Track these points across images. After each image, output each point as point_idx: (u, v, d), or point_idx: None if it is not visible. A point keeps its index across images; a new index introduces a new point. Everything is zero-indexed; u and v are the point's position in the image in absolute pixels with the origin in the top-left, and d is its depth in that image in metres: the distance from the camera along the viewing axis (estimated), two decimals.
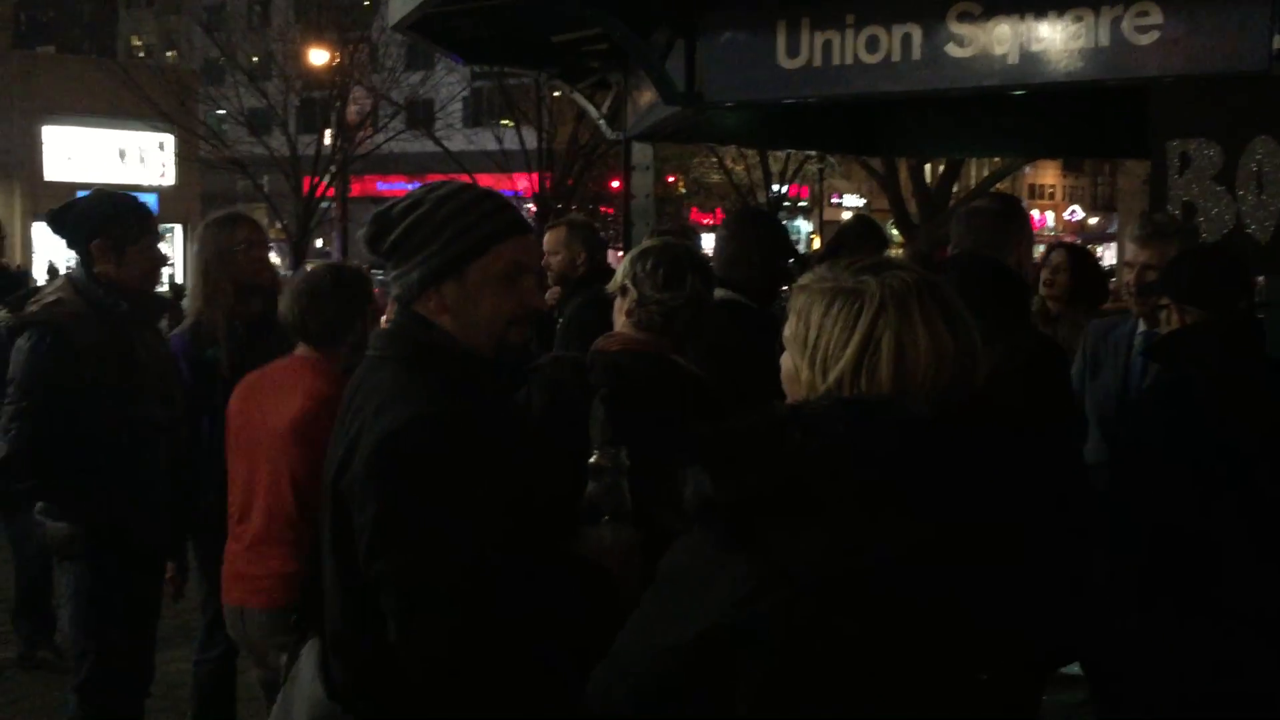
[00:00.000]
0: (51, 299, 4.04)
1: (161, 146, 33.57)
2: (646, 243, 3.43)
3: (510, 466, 2.23)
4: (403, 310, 2.36)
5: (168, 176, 34.33)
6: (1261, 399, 3.06)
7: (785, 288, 4.74)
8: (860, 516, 1.64)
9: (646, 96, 5.72)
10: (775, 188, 32.58)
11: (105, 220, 4.06)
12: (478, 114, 34.20)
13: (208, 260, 4.45)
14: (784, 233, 4.75)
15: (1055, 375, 3.47)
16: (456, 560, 2.13)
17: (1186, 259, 3.42)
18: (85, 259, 4.07)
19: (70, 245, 4.13)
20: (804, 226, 50.89)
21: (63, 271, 4.35)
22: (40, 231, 33.48)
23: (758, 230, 4.46)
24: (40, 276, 20.23)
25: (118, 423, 3.99)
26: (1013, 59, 4.20)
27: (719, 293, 3.71)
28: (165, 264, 4.39)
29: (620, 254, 3.81)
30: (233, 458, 3.83)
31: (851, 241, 5.36)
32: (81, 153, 33.09)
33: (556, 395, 3.27)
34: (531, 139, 25.99)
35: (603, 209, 32.41)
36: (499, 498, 2.17)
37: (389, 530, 2.16)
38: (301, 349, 3.78)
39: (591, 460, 2.47)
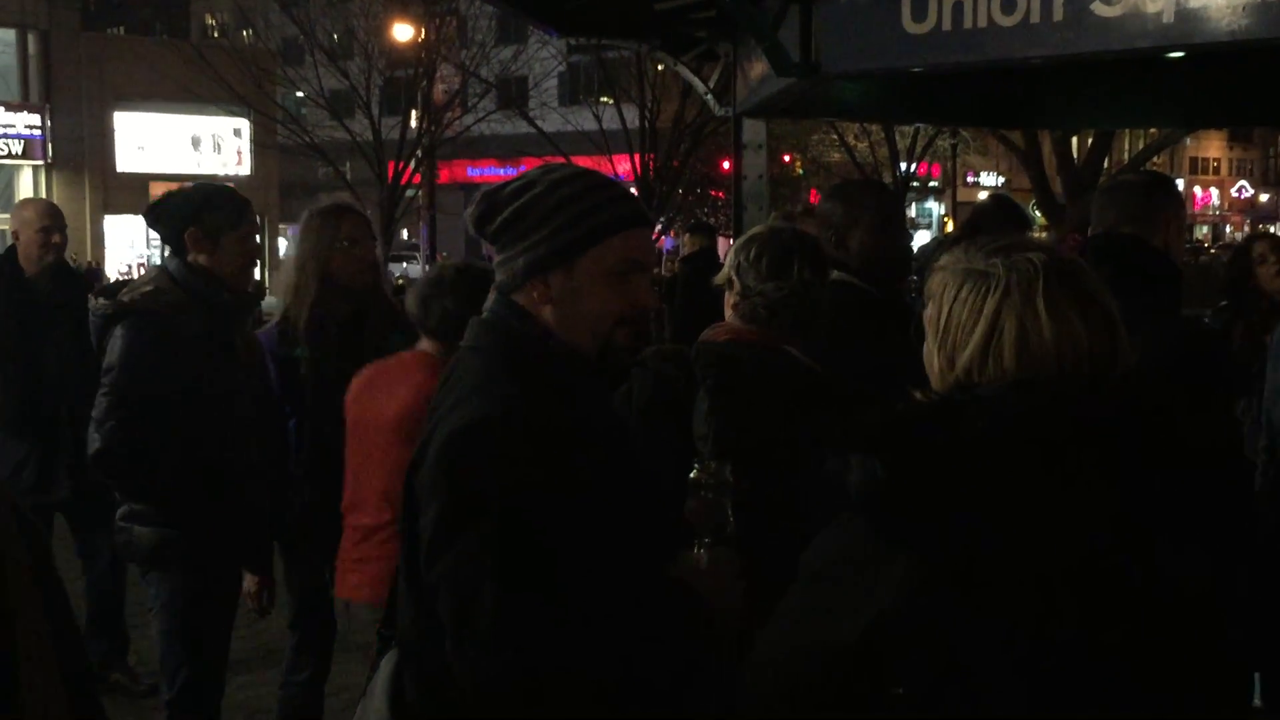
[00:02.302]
0: (149, 288, 4.16)
1: (237, 133, 34.42)
2: (753, 230, 3.45)
3: (598, 479, 2.23)
4: (501, 299, 2.38)
5: (244, 164, 35.19)
6: None
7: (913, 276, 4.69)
8: (1044, 502, 1.69)
9: (758, 68, 5.70)
10: (903, 166, 32.28)
11: (200, 207, 4.19)
12: (575, 91, 34.41)
13: (305, 254, 4.54)
14: (901, 206, 4.69)
15: (1209, 372, 3.37)
16: (509, 578, 2.13)
17: None
18: (179, 249, 4.19)
19: (165, 238, 4.25)
20: (936, 208, 50.38)
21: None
22: (113, 226, 34.55)
23: (873, 201, 4.30)
24: (113, 275, 20.80)
25: (216, 422, 4.10)
26: (1168, 17, 4.11)
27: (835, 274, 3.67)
28: (260, 256, 4.50)
29: (731, 242, 3.81)
30: (348, 449, 4.00)
31: (989, 223, 5.30)
32: (154, 141, 34.01)
33: (660, 388, 3.30)
34: (633, 117, 26.05)
35: (712, 192, 32.44)
36: (579, 510, 2.17)
37: (446, 534, 2.19)
38: (424, 343, 3.92)
39: (691, 475, 2.47)
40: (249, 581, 4.42)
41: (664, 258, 27.39)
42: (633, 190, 20.04)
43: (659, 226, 25.62)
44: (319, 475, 4.32)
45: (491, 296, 2.41)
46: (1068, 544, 1.70)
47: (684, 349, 3.35)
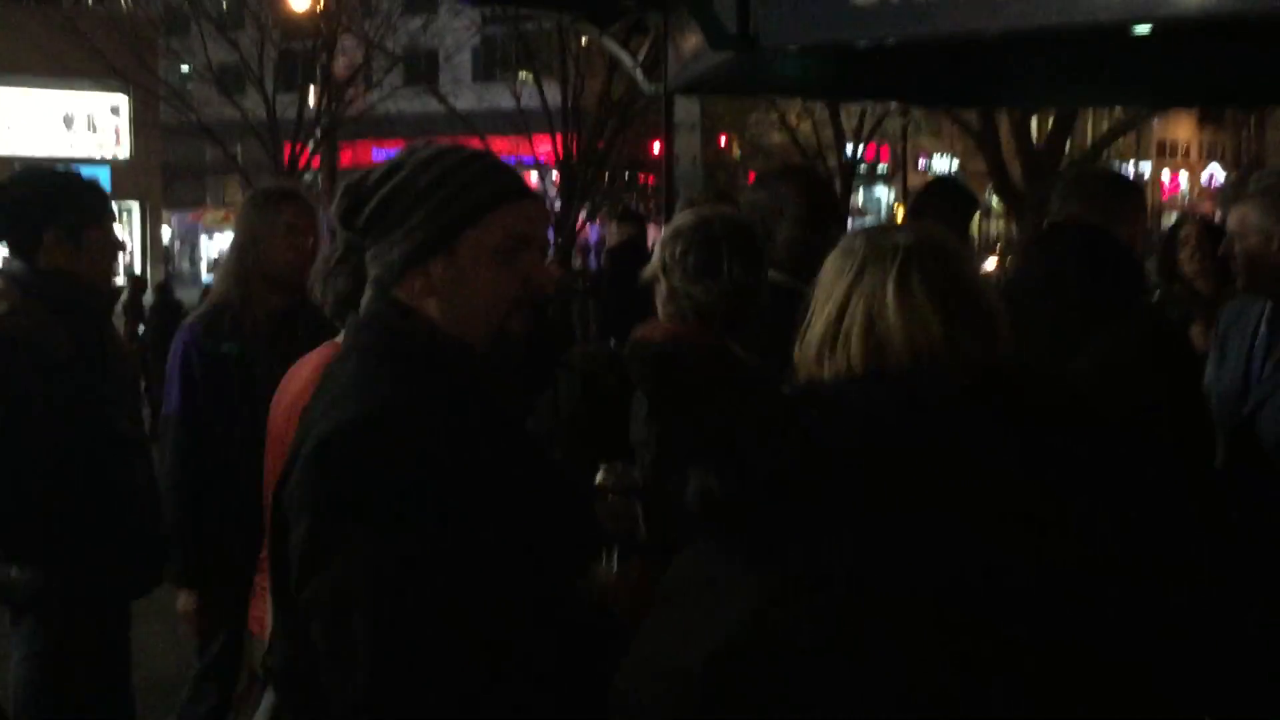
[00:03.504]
0: (2, 307, 3.95)
1: (115, 110, 33.97)
2: (679, 220, 3.40)
3: (490, 486, 2.20)
4: (379, 295, 2.34)
5: (123, 145, 34.74)
6: None
7: None
8: (888, 507, 1.66)
9: (691, 41, 5.69)
10: (849, 149, 32.50)
11: (56, 203, 4.04)
12: (490, 66, 34.33)
13: (243, 242, 4.50)
14: (830, 193, 4.70)
15: (1175, 371, 3.44)
16: (387, 595, 2.10)
17: None
18: (26, 252, 4.01)
19: (8, 236, 4.07)
20: (885, 195, 50.82)
21: None
22: None
23: (799, 189, 4.32)
24: None
25: (94, 446, 4.00)
26: None
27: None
28: (122, 250, 4.42)
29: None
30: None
31: (933, 207, 5.34)
32: (21, 120, 33.47)
33: (590, 393, 3.27)
34: (554, 95, 26.04)
35: (641, 177, 32.46)
36: (466, 521, 2.15)
37: (317, 550, 2.15)
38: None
39: (597, 479, 2.45)
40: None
41: (590, 248, 27.39)
42: (555, 172, 19.89)
43: (583, 214, 25.63)
44: (246, 480, 4.25)
45: (368, 293, 2.37)
46: (926, 564, 1.67)
47: (613, 350, 3.34)
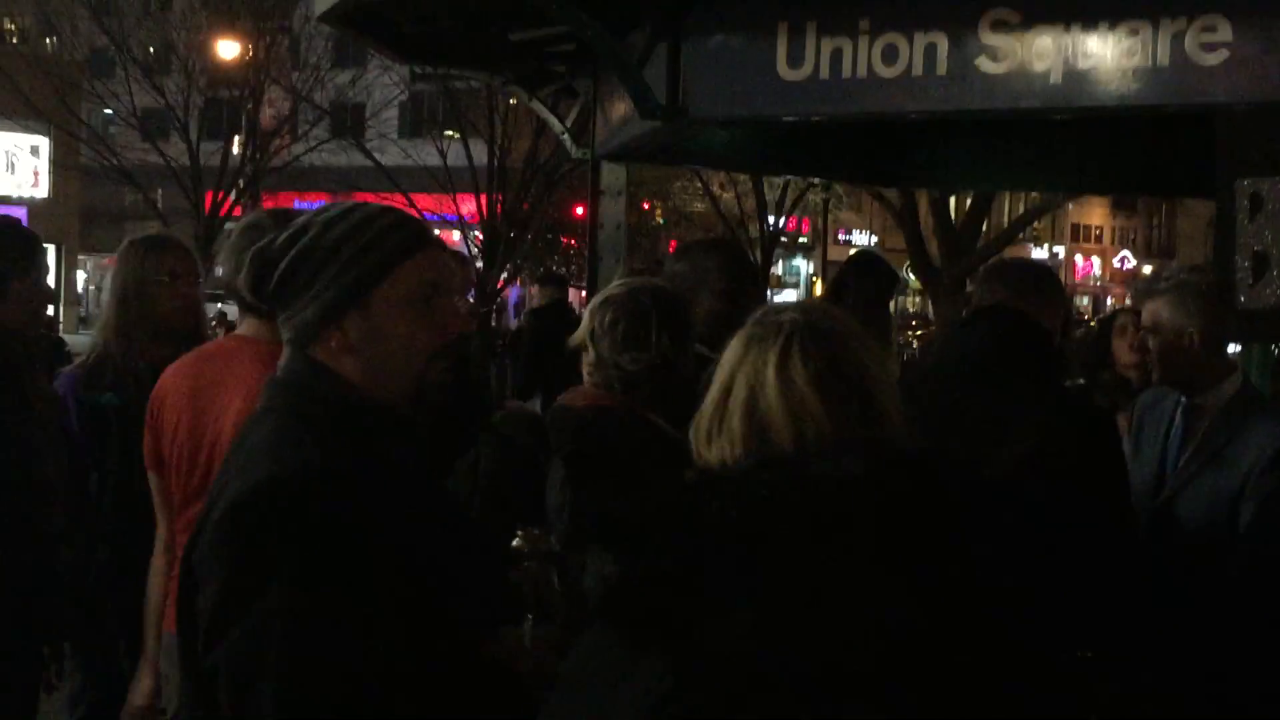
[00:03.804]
0: None
1: (35, 150, 33.53)
2: (610, 289, 3.44)
3: (406, 549, 2.19)
4: (295, 355, 2.33)
5: (40, 186, 34.27)
6: None
7: None
8: (793, 592, 1.64)
9: (620, 109, 5.74)
10: (771, 220, 32.75)
11: None
12: (417, 123, 34.24)
13: (125, 288, 4.42)
14: (748, 263, 4.73)
15: (1110, 453, 3.55)
16: (297, 661, 2.08)
17: None
18: None
19: None
20: (805, 266, 51.20)
21: None
22: None
23: (719, 262, 4.32)
24: None
25: (15, 491, 3.92)
26: (1055, 78, 4.25)
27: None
28: (52, 298, 4.34)
29: (585, 295, 3.82)
30: (174, 465, 3.70)
31: (856, 281, 5.39)
32: None
33: (510, 456, 3.28)
34: (481, 154, 26.03)
35: (564, 240, 32.50)
36: (379, 585, 2.13)
37: (226, 614, 2.12)
38: (244, 326, 3.70)
39: (513, 543, 2.45)
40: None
41: (509, 308, 27.36)
42: (477, 232, 19.78)
43: (504, 274, 25.60)
44: (123, 533, 4.19)
45: (285, 353, 2.36)
46: (822, 643, 1.65)
47: (536, 414, 3.35)
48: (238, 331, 3.69)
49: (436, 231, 2.55)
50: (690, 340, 3.39)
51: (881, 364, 1.95)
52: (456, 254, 5.85)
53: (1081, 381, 6.50)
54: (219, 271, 3.65)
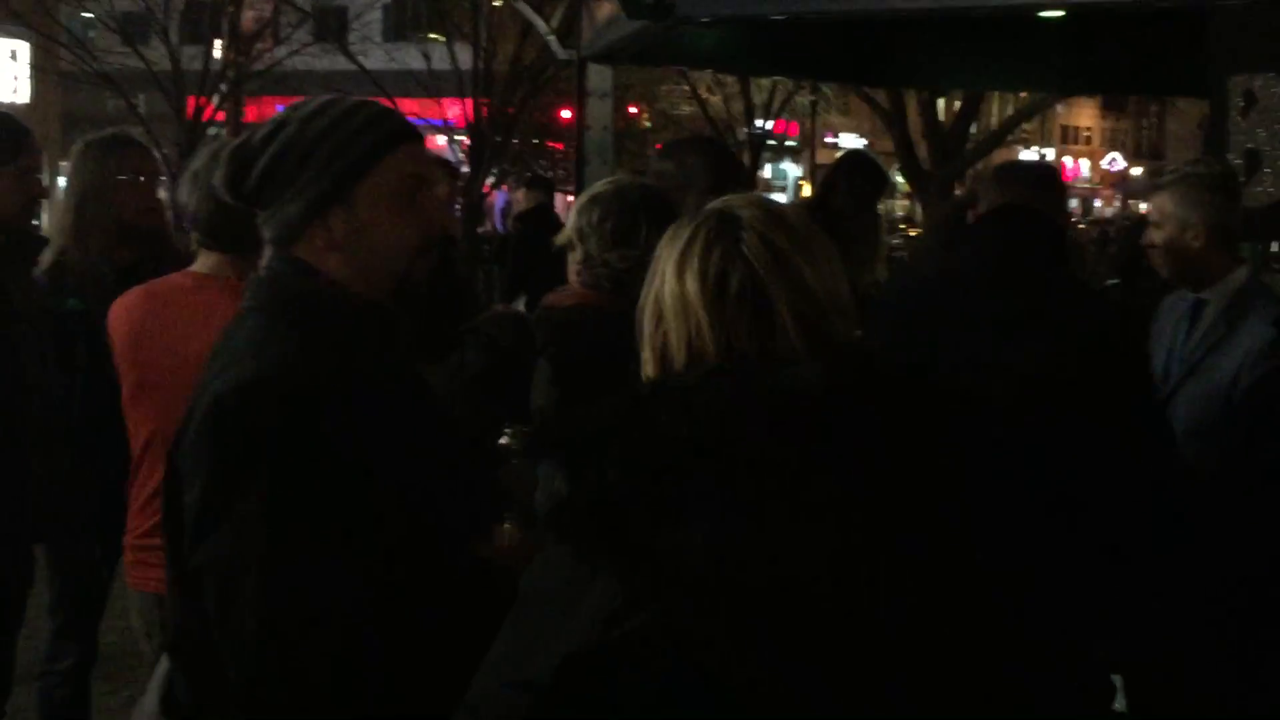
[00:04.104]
0: None
1: (14, 55, 33.12)
2: (597, 187, 3.41)
3: (391, 445, 2.19)
4: (278, 254, 2.32)
5: (20, 92, 33.88)
6: None
7: None
8: (747, 505, 1.61)
9: (606, 9, 5.68)
10: (758, 123, 32.59)
11: None
12: (400, 25, 33.95)
13: (84, 190, 4.36)
14: (735, 163, 4.70)
15: (1130, 355, 3.51)
16: (278, 560, 2.09)
17: None
18: None
19: None
20: (792, 170, 51.05)
21: None
22: None
23: (707, 160, 4.28)
24: None
25: None
26: None
27: None
28: (45, 194, 4.31)
29: (571, 199, 3.79)
30: (135, 399, 3.65)
31: (845, 182, 5.37)
32: None
33: (495, 357, 3.27)
34: (466, 57, 25.80)
35: (550, 143, 32.33)
36: (364, 480, 2.13)
37: (209, 513, 2.13)
38: (204, 260, 3.62)
39: (501, 441, 2.45)
40: None
41: (496, 213, 27.26)
42: (463, 137, 19.73)
43: (490, 179, 25.48)
44: (91, 442, 4.17)
45: (267, 252, 2.34)
46: (780, 555, 1.60)
47: (521, 314, 3.34)
48: (194, 268, 3.58)
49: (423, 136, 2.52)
50: None
51: (818, 266, 1.80)
52: (443, 162, 5.81)
53: (1116, 282, 6.52)
54: (183, 196, 3.54)
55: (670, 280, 1.79)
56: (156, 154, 4.59)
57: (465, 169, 24.18)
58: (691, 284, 1.77)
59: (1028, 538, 2.56)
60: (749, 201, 1.86)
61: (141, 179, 4.41)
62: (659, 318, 1.80)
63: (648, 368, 1.82)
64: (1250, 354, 3.73)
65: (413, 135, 2.37)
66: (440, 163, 5.40)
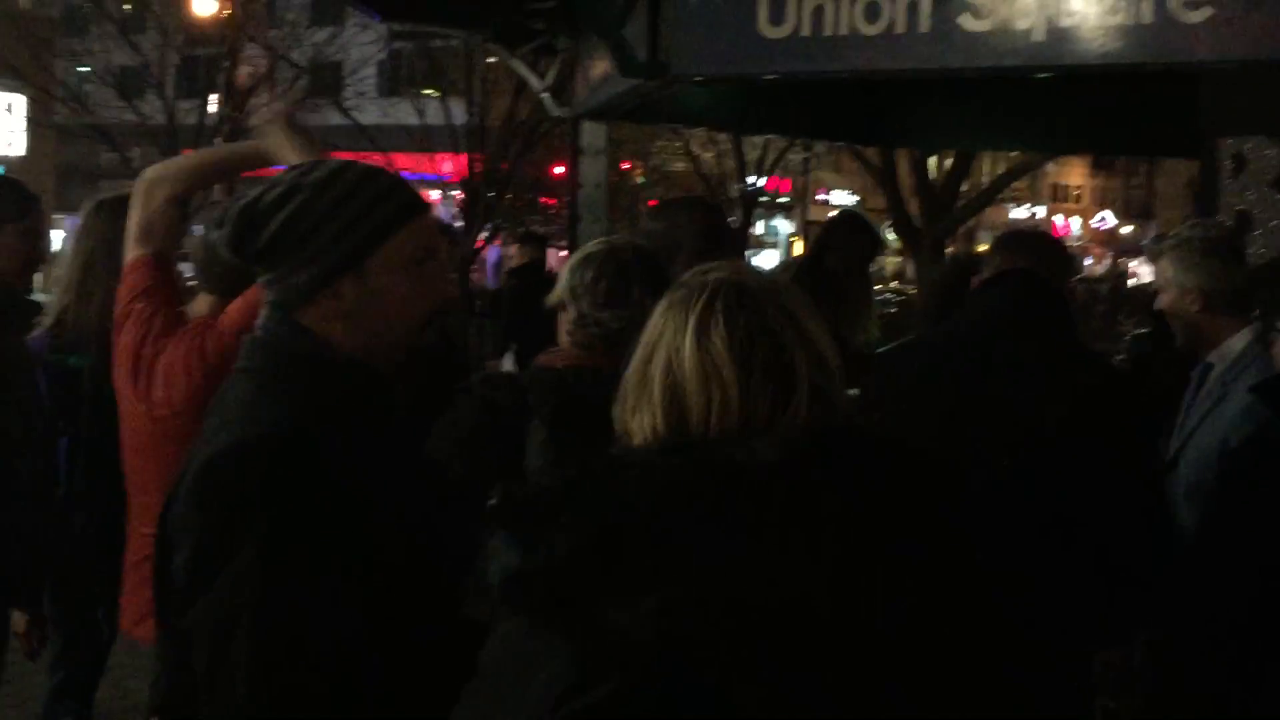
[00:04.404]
0: None
1: (10, 109, 33.25)
2: (589, 247, 3.42)
3: (384, 508, 2.18)
4: (278, 317, 2.31)
5: (15, 145, 33.98)
6: None
7: None
8: (696, 580, 1.59)
9: (600, 67, 5.71)
10: (751, 180, 32.70)
11: None
12: (395, 82, 34.08)
13: (92, 249, 4.38)
14: (725, 226, 4.72)
15: (1123, 414, 3.56)
16: (270, 623, 2.08)
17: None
18: None
19: None
20: (784, 226, 51.18)
21: None
22: None
23: (696, 219, 4.32)
24: None
25: None
26: (1038, 35, 4.22)
27: None
28: (44, 259, 4.31)
29: (564, 254, 3.80)
30: (126, 448, 3.70)
31: (839, 242, 5.38)
32: None
33: (489, 418, 3.26)
34: (460, 113, 25.93)
35: (543, 199, 32.41)
36: (354, 548, 2.12)
37: (199, 577, 2.12)
38: (198, 302, 3.71)
39: (490, 503, 2.44)
40: (18, 620, 4.24)
41: (489, 268, 27.31)
42: (456, 192, 19.72)
43: (484, 235, 25.53)
44: (96, 498, 4.16)
45: (265, 314, 2.33)
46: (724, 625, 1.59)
47: (514, 375, 3.33)
48: (193, 310, 3.63)
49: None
50: None
51: (822, 333, 1.82)
52: (444, 227, 5.84)
53: (1143, 331, 6.50)
54: (195, 230, 3.61)
55: (689, 348, 1.76)
56: None
57: (459, 224, 24.25)
58: (719, 353, 1.75)
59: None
60: (745, 270, 1.86)
61: None
62: (672, 386, 1.77)
63: (645, 433, 1.79)
64: (1233, 420, 3.74)
65: (425, 207, 2.38)
66: (441, 228, 5.44)
